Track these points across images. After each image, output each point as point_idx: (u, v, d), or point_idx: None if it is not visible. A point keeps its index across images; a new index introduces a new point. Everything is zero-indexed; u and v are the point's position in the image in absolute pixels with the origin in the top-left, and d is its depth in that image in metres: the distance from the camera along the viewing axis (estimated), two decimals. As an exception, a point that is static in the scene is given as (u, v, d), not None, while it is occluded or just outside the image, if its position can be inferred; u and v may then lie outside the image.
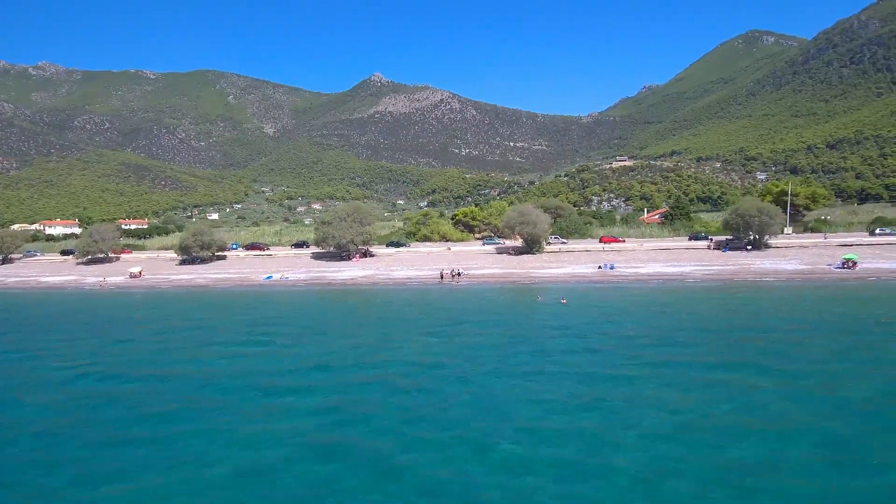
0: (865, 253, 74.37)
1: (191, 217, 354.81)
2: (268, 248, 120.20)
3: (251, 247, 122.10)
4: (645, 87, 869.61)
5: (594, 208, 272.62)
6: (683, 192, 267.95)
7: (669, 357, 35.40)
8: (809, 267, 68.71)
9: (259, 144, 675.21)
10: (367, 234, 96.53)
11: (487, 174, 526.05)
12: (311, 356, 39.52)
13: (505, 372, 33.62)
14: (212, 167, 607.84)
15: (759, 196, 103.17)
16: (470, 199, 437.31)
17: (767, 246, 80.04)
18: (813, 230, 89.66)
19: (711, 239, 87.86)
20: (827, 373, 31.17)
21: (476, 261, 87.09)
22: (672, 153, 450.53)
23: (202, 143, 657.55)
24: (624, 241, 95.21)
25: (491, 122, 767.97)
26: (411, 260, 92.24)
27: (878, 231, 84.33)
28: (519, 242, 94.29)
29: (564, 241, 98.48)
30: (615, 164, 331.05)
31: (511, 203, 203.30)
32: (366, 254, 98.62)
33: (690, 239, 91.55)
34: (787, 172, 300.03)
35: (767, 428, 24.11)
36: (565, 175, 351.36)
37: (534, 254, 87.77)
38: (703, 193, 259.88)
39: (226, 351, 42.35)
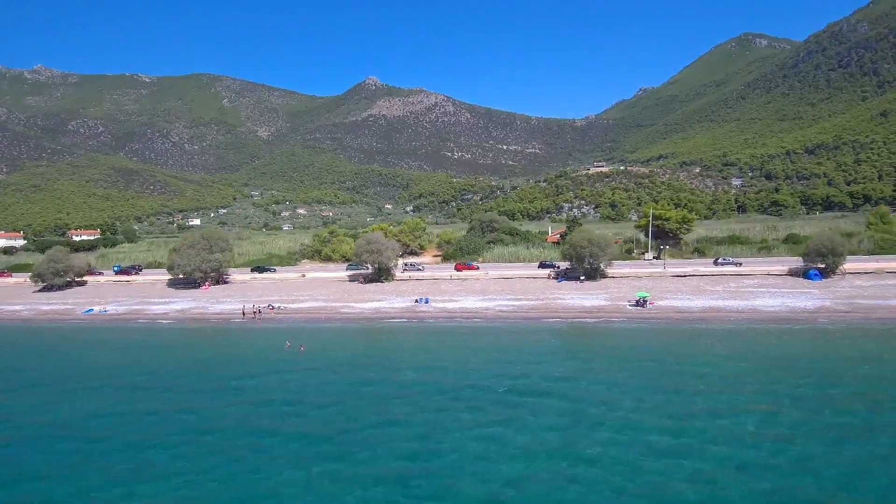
0: (679, 286, 71.79)
1: (172, 223, 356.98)
2: (140, 272, 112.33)
3: (122, 271, 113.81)
4: (640, 89, 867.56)
5: (564, 215, 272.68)
6: (653, 200, 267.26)
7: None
8: (611, 303, 65.94)
9: (252, 148, 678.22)
10: (217, 261, 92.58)
11: (475, 178, 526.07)
12: None
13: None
14: (205, 171, 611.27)
15: (640, 219, 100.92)
16: (454, 203, 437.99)
17: (604, 275, 78.60)
18: (700, 252, 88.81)
19: (557, 266, 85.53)
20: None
21: (313, 290, 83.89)
22: (659, 157, 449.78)
23: (195, 147, 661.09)
24: (478, 268, 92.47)
25: (485, 125, 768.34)
26: (258, 288, 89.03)
27: (720, 260, 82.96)
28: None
29: (421, 267, 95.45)
30: (592, 170, 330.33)
31: (464, 210, 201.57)
32: (219, 280, 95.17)
33: (539, 266, 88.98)
34: (763, 178, 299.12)
35: None
36: (544, 181, 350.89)
37: (382, 282, 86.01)
38: (673, 200, 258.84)
39: None
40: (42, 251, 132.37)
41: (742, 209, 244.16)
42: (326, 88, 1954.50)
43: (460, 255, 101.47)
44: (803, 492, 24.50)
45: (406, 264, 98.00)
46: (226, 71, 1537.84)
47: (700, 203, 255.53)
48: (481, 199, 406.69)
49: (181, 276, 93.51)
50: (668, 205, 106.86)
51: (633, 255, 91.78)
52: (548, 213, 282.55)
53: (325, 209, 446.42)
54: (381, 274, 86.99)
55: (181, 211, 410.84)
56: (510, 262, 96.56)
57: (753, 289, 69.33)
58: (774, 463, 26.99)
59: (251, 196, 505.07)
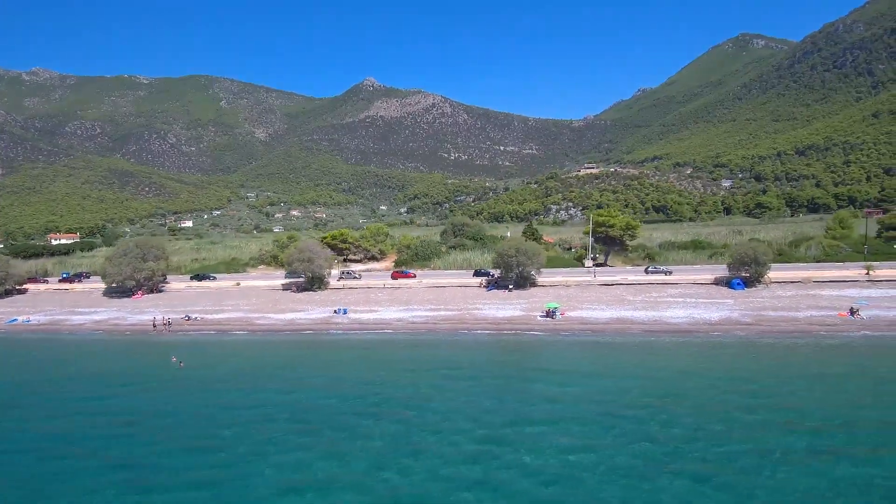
0: (601, 296, 69.71)
1: (164, 225, 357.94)
2: (85, 279, 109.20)
3: (66, 279, 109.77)
4: (639, 89, 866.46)
5: (552, 217, 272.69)
6: (641, 202, 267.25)
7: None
8: (525, 314, 64.49)
9: (250, 149, 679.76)
10: (150, 269, 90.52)
11: (470, 179, 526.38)
12: None
13: None
14: (202, 172, 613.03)
15: (588, 224, 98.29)
16: (447, 204, 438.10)
17: (533, 284, 76.97)
18: (651, 257, 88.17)
19: (492, 275, 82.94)
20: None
21: (242, 300, 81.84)
22: (654, 158, 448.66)
23: (193, 149, 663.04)
24: (414, 276, 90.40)
25: (482, 127, 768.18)
26: (190, 297, 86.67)
27: (650, 269, 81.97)
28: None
29: (358, 276, 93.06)
30: (582, 172, 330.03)
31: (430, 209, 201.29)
32: (153, 289, 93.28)
33: (474, 275, 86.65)
34: (753, 180, 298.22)
35: None
36: (535, 182, 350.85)
37: (314, 291, 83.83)
38: (659, 203, 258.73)
39: None
40: (16, 256, 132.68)
41: (728, 211, 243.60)
42: (325, 90, 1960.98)
43: (417, 260, 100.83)
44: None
45: (343, 272, 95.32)
46: (224, 73, 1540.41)
47: (687, 205, 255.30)
48: (474, 201, 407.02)
49: (114, 284, 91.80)
50: (616, 210, 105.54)
51: (585, 262, 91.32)
52: (536, 214, 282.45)
53: (318, 211, 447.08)
54: (314, 283, 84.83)
55: (175, 213, 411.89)
56: (460, 269, 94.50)
57: (671, 298, 67.82)
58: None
59: (246, 198, 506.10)
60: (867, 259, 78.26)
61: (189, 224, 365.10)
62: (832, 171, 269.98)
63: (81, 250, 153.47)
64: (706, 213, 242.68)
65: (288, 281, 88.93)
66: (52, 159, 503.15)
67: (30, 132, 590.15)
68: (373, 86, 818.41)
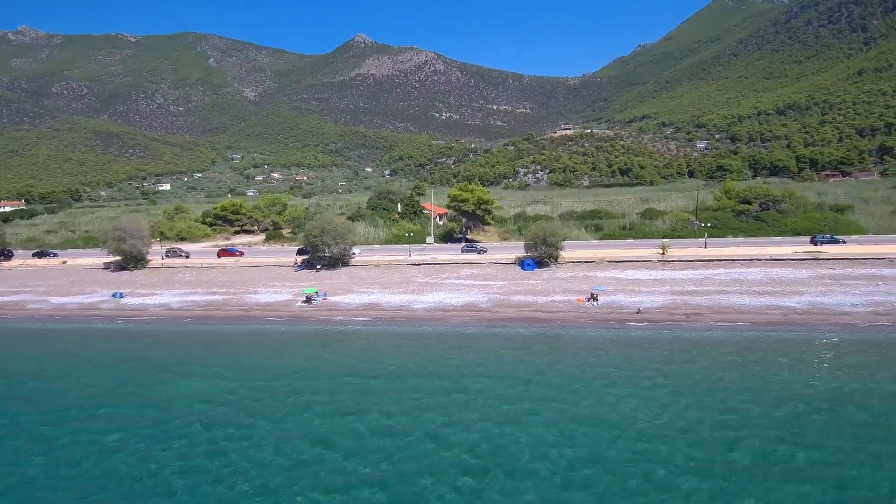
0: (394, 278, 66.34)
1: (140, 187, 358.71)
2: None
3: None
4: (639, 45, 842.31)
5: (519, 181, 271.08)
6: (608, 165, 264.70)
7: None
8: (292, 298, 60.70)
9: (238, 109, 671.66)
10: None
11: (457, 140, 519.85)
12: None
13: None
14: (190, 133, 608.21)
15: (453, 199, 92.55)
16: (429, 167, 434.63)
17: (346, 264, 73.66)
18: (520, 231, 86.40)
19: (307, 253, 77.98)
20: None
21: (52, 280, 75.98)
22: (643, 118, 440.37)
23: (181, 108, 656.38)
24: (242, 254, 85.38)
25: (476, 85, 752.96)
26: (15, 277, 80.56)
27: (465, 248, 78.53)
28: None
29: (185, 254, 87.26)
30: (557, 133, 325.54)
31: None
32: None
33: (297, 253, 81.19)
34: (728, 140, 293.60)
35: None
36: (511, 144, 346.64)
37: (130, 270, 78.32)
38: (626, 166, 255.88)
39: None
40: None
41: (691, 174, 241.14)
42: (315, 47, 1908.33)
43: (321, 236, 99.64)
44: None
45: (169, 250, 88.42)
46: (212, 29, 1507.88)
47: (653, 169, 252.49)
48: (454, 163, 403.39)
49: None
50: (474, 184, 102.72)
51: (427, 239, 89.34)
52: (505, 177, 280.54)
53: (300, 173, 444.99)
54: (129, 262, 78.99)
55: (156, 175, 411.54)
56: (365, 245, 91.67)
57: (456, 280, 64.29)
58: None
59: (231, 160, 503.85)
60: (696, 236, 77.34)
61: (167, 187, 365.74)
62: (806, 132, 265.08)
63: (21, 218, 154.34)
64: (669, 176, 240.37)
65: (110, 259, 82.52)
66: (37, 121, 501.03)
67: (16, 93, 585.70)
68: (364, 42, 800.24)
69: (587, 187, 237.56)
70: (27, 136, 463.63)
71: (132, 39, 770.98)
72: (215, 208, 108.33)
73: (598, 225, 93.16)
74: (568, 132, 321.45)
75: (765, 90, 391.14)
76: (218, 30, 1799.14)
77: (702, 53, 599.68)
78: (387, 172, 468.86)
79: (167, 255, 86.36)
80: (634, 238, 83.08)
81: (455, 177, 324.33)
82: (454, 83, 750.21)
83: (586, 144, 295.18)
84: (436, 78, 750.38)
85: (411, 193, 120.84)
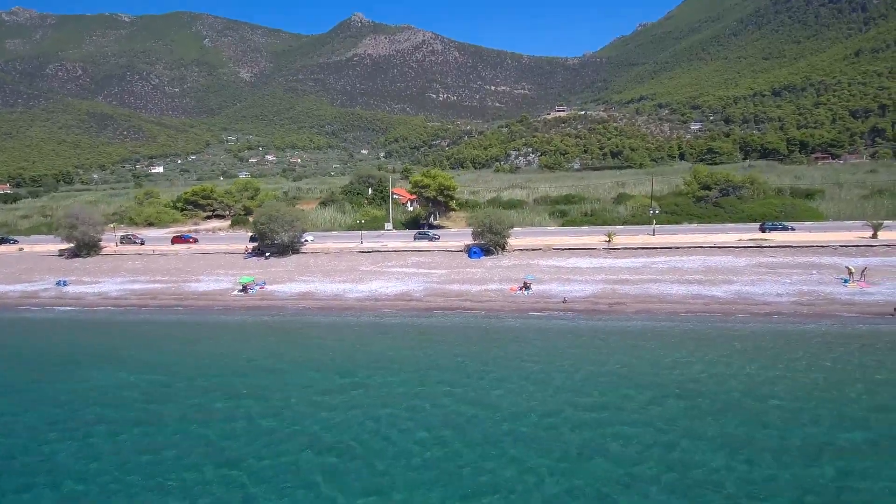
0: (339, 265, 65.95)
1: (133, 170, 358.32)
2: None
3: None
4: (640, 24, 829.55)
5: (510, 163, 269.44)
6: (600, 148, 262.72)
7: None
8: (230, 287, 60.45)
9: (234, 90, 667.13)
10: None
11: (452, 122, 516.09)
12: None
13: None
14: (185, 115, 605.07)
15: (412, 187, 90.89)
16: (423, 149, 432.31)
17: (296, 251, 72.78)
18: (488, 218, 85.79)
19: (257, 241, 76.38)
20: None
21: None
22: (640, 99, 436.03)
23: (176, 90, 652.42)
24: (195, 241, 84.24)
25: (473, 65, 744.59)
26: None
27: (418, 235, 77.45)
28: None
29: (140, 241, 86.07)
30: (551, 115, 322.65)
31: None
32: None
33: (250, 240, 79.42)
34: (722, 122, 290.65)
35: None
36: (505, 126, 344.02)
37: (83, 257, 77.63)
38: (617, 148, 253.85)
39: None
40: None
41: (682, 156, 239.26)
42: (312, 26, 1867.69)
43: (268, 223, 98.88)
44: None
45: (123, 237, 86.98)
46: (207, 9, 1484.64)
47: (644, 152, 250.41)
48: (448, 145, 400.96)
49: None
50: (441, 170, 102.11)
51: (386, 225, 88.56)
52: (497, 160, 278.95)
53: (295, 155, 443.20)
54: (81, 249, 78.20)
55: (150, 157, 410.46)
56: (324, 231, 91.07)
57: (398, 269, 63.64)
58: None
59: (226, 141, 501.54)
60: (652, 222, 76.45)
61: (160, 170, 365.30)
62: (800, 114, 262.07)
63: (4, 202, 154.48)
64: (660, 159, 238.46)
65: (65, 246, 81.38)
66: (32, 103, 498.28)
67: (9, 75, 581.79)
68: (361, 22, 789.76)
69: (577, 170, 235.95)
70: (21, 118, 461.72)
71: (126, 19, 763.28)
72: (185, 193, 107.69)
73: (564, 211, 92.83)
74: (561, 114, 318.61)
75: (762, 71, 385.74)
76: (213, 9, 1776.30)
77: (702, 33, 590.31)
78: (382, 154, 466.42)
79: (121, 242, 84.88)
80: (595, 224, 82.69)
81: (448, 159, 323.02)
82: (452, 63, 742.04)
83: (579, 126, 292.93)
84: (433, 58, 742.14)
85: (379, 180, 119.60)
